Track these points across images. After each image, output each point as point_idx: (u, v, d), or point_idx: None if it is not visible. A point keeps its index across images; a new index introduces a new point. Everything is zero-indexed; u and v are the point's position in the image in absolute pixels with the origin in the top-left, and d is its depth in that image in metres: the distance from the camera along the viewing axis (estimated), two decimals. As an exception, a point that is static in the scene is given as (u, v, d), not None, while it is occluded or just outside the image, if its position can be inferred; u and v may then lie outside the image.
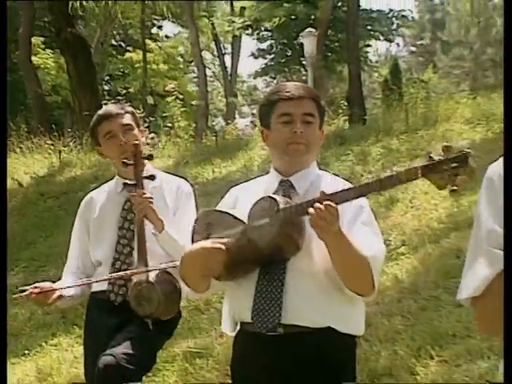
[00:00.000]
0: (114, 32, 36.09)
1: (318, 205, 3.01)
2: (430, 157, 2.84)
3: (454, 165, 2.75)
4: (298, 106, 3.45)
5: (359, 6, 28.43)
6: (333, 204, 3.01)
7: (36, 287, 4.51)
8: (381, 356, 6.45)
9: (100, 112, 4.78)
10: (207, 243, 3.32)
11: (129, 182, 4.64)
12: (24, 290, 4.54)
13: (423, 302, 7.30)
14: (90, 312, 4.81)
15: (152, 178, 4.63)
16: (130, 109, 4.83)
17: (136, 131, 4.70)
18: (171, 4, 32.68)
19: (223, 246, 3.27)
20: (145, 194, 4.45)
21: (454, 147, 2.79)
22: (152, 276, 4.36)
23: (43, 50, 33.20)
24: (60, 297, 4.54)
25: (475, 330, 6.21)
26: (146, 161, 4.65)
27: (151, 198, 4.45)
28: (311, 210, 3.02)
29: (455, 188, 2.77)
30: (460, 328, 6.50)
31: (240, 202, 3.56)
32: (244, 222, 3.35)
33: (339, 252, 3.16)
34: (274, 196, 3.30)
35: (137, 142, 4.61)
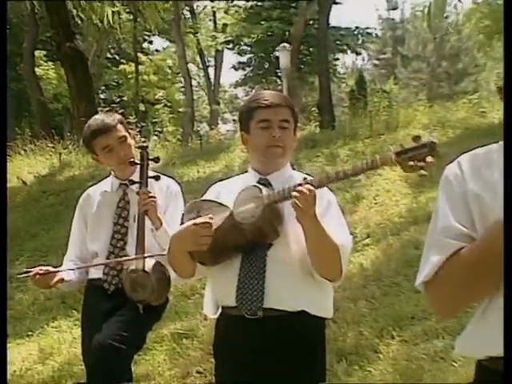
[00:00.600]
0: (109, 46, 36.01)
1: (300, 187, 3.06)
2: (401, 145, 2.89)
3: (423, 151, 2.81)
4: (276, 113, 3.47)
5: (328, 23, 28.51)
6: (311, 187, 3.06)
7: (41, 269, 4.51)
8: (348, 336, 6.46)
9: (93, 126, 4.69)
10: (195, 220, 3.31)
11: (124, 181, 4.68)
12: (28, 272, 4.52)
13: (385, 288, 7.32)
14: (87, 297, 4.82)
15: (157, 178, 4.66)
16: (119, 117, 4.79)
17: (129, 139, 4.69)
18: (160, 21, 32.66)
19: (211, 220, 3.27)
20: (150, 193, 4.46)
21: (422, 137, 2.85)
22: (148, 266, 4.36)
23: (45, 62, 33.10)
24: (61, 280, 4.54)
25: (431, 312, 6.23)
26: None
27: (154, 197, 4.46)
28: (295, 192, 3.07)
29: (423, 172, 2.83)
30: (418, 311, 6.52)
31: (222, 196, 3.56)
32: (229, 208, 3.35)
33: (314, 236, 3.20)
34: (258, 185, 3.34)
35: (145, 145, 4.67)
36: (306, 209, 3.09)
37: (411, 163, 2.83)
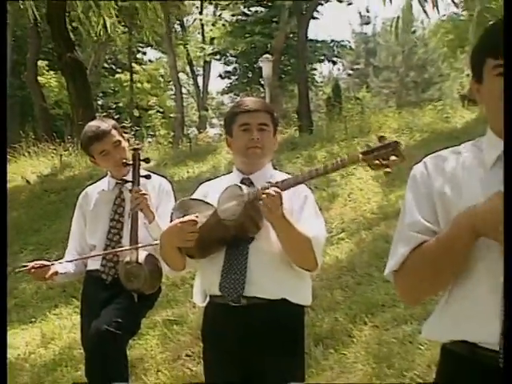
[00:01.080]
0: (106, 57, 35.92)
1: (267, 190, 3.09)
2: (368, 145, 2.91)
3: (388, 150, 2.84)
4: (255, 117, 3.50)
5: (307, 36, 28.59)
6: (277, 189, 3.10)
7: (36, 264, 4.53)
8: (324, 322, 6.46)
9: (89, 133, 4.69)
10: (182, 218, 3.34)
11: (123, 179, 4.69)
12: (25, 266, 4.55)
13: (358, 278, 7.33)
14: (86, 287, 4.82)
15: (148, 177, 4.66)
16: (113, 123, 4.80)
17: (123, 143, 4.69)
18: (153, 34, 32.63)
19: (196, 218, 3.30)
20: (141, 190, 4.48)
21: (387, 137, 2.88)
22: (141, 257, 4.39)
23: (47, 71, 33.04)
24: (55, 273, 4.56)
25: (400, 300, 6.24)
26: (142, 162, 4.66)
27: (146, 194, 4.47)
28: (262, 194, 3.11)
29: (388, 169, 2.85)
30: (388, 299, 6.53)
31: (209, 194, 3.57)
32: (214, 207, 3.38)
33: (283, 232, 3.23)
34: (239, 184, 3.36)
35: (137, 147, 4.69)
36: (273, 209, 3.12)
37: (377, 161, 2.87)
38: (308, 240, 3.26)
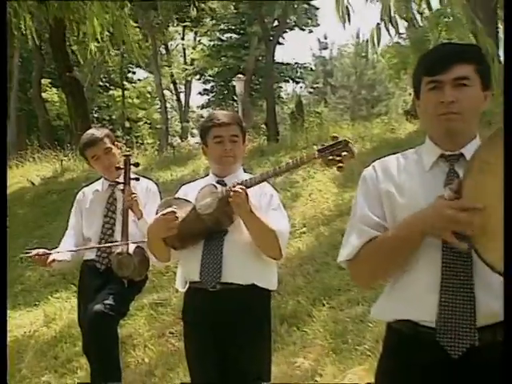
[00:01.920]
0: (101, 76, 35.70)
1: (234, 188, 3.15)
2: (323, 144, 2.98)
3: (339, 146, 2.91)
4: (226, 130, 3.51)
5: (274, 59, 28.65)
6: (242, 187, 3.16)
7: (38, 252, 4.58)
8: (288, 304, 6.46)
9: (84, 139, 4.74)
10: (163, 211, 3.38)
11: (116, 181, 4.70)
12: (29, 252, 4.62)
13: (318, 266, 7.32)
14: (82, 274, 4.83)
15: (137, 179, 4.70)
16: (106, 132, 4.82)
17: (114, 149, 4.72)
18: (142, 56, 32.57)
19: (175, 210, 3.33)
20: (132, 191, 4.51)
21: (339, 137, 2.97)
22: (131, 249, 4.41)
23: (50, 88, 32.80)
24: (53, 260, 4.58)
25: (353, 285, 6.26)
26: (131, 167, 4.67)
27: (136, 194, 4.50)
28: (230, 192, 3.17)
29: (341, 164, 2.91)
30: (343, 284, 6.53)
31: (189, 194, 3.59)
32: (193, 203, 3.42)
33: (251, 224, 3.26)
34: (213, 183, 3.42)
35: (128, 153, 4.72)
36: (241, 204, 3.17)
37: (330, 157, 2.93)
38: (273, 232, 3.28)
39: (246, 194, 3.18)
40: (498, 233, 2.02)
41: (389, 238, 2.25)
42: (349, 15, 4.78)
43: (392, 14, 4.23)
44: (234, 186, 3.20)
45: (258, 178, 3.27)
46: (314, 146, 13.07)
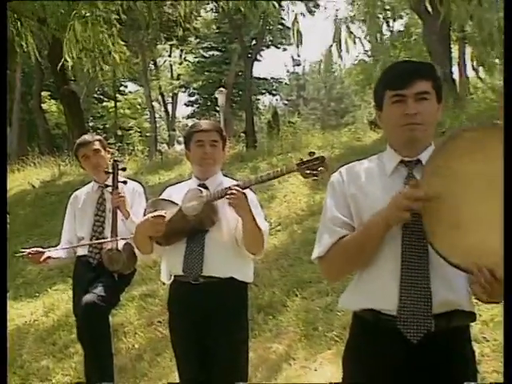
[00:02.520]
0: (95, 89, 35.53)
1: (231, 190, 3.14)
2: (301, 159, 3.00)
3: (316, 162, 2.95)
4: (207, 136, 3.52)
5: (252, 74, 28.60)
6: (239, 188, 3.15)
7: (32, 250, 4.57)
8: (265, 295, 6.44)
9: (78, 141, 4.82)
10: (152, 213, 3.36)
11: (105, 184, 4.70)
12: (24, 251, 4.59)
13: (291, 260, 7.32)
14: (76, 269, 4.82)
15: (125, 182, 4.69)
16: (98, 137, 4.87)
17: (103, 152, 4.75)
18: (133, 71, 32.49)
19: (164, 213, 3.32)
20: (120, 193, 4.50)
21: (316, 152, 2.99)
22: (120, 246, 4.42)
23: (49, 99, 32.61)
24: (48, 258, 4.56)
25: (323, 278, 6.26)
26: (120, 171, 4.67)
27: (123, 196, 4.49)
28: (228, 194, 3.16)
29: (316, 177, 2.96)
30: (314, 277, 6.52)
31: (173, 195, 3.59)
32: (178, 205, 3.42)
33: (248, 223, 3.22)
34: (199, 187, 3.43)
35: (116, 159, 4.74)
36: (240, 204, 3.16)
37: (307, 171, 2.96)
38: (261, 231, 3.31)
39: (244, 195, 3.18)
40: (452, 228, 2.05)
41: (356, 235, 2.27)
42: (301, 38, 4.88)
43: (343, 37, 4.27)
44: (229, 188, 3.19)
45: (251, 181, 3.27)
46: (289, 154, 13.09)
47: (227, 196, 3.17)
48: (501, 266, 1.95)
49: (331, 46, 4.34)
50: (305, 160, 3.01)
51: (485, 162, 2.03)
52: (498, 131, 2.04)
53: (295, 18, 4.71)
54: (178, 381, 3.63)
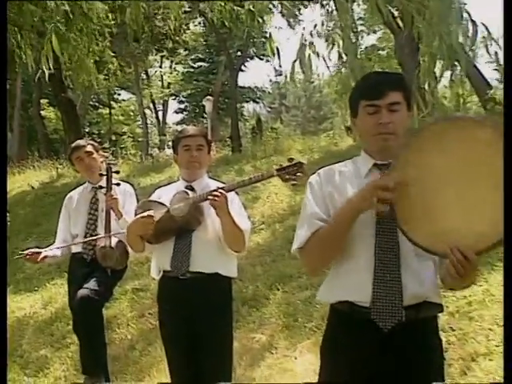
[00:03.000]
0: (91, 96, 35.29)
1: (214, 192, 3.14)
2: (281, 165, 3.02)
3: (295, 168, 2.97)
4: (194, 141, 3.53)
5: (237, 84, 28.65)
6: (222, 191, 3.14)
7: (29, 252, 4.56)
8: (249, 289, 6.45)
9: (72, 145, 4.84)
10: (142, 214, 3.37)
11: (99, 185, 4.70)
12: (22, 254, 4.60)
13: (274, 257, 7.33)
14: (72, 265, 4.82)
15: (118, 184, 4.70)
16: (91, 142, 4.90)
17: (95, 155, 4.77)
18: (126, 80, 32.45)
19: (153, 214, 3.33)
20: (113, 195, 4.50)
21: (295, 159, 3.02)
22: (113, 243, 4.43)
23: (48, 107, 32.41)
24: (45, 257, 4.56)
25: (303, 273, 6.28)
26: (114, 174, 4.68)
27: (116, 197, 4.50)
28: (210, 196, 3.15)
29: (295, 182, 2.97)
30: (295, 272, 6.53)
31: (162, 196, 3.60)
32: (167, 206, 3.42)
33: (226, 224, 3.23)
34: (185, 190, 3.44)
35: (110, 162, 4.73)
36: (221, 206, 3.16)
37: (287, 176, 2.98)
38: (242, 231, 3.32)
39: (226, 198, 3.18)
40: (423, 215, 2.06)
41: (329, 224, 2.28)
42: (278, 52, 4.92)
43: (307, 53, 4.30)
44: (213, 191, 3.19)
45: (234, 185, 3.28)
46: (272, 157, 13.10)
47: (209, 197, 3.18)
48: (471, 247, 1.96)
49: (295, 61, 4.36)
50: (284, 166, 3.02)
51: (450, 151, 2.04)
52: (460, 122, 2.08)
53: (270, 36, 4.71)
54: (167, 369, 3.62)
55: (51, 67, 4.97)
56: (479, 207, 1.97)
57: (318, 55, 4.26)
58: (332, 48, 4.36)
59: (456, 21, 3.61)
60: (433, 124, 2.14)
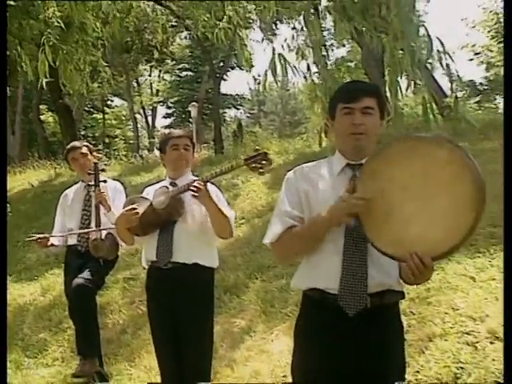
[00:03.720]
0: (86, 102, 34.98)
1: (194, 183, 3.17)
2: (248, 154, 3.06)
3: (259, 157, 2.99)
4: (181, 141, 3.55)
5: (219, 91, 28.57)
6: (201, 182, 3.17)
7: (40, 236, 4.61)
8: (230, 278, 6.43)
9: (68, 146, 4.86)
10: (127, 208, 3.40)
11: (89, 183, 4.69)
12: (32, 237, 4.64)
13: (253, 248, 7.30)
14: (67, 256, 4.84)
15: (104, 181, 4.70)
16: (85, 144, 4.90)
17: (89, 156, 4.75)
18: (118, 87, 32.27)
19: (137, 207, 3.35)
20: (101, 191, 4.51)
21: (260, 149, 3.07)
22: (103, 235, 4.44)
23: (47, 112, 32.22)
24: (52, 244, 4.61)
25: (279, 263, 6.27)
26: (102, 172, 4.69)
27: (104, 193, 4.50)
28: (191, 187, 3.18)
29: (262, 170, 2.98)
30: (272, 263, 6.51)
31: (150, 193, 3.60)
32: (150, 200, 3.47)
33: (212, 210, 3.25)
34: (166, 185, 3.53)
35: (96, 161, 4.70)
36: (202, 194, 3.18)
37: (253, 165, 2.99)
38: (227, 217, 3.33)
39: (205, 187, 3.20)
40: (384, 223, 2.08)
41: (304, 228, 2.29)
42: (251, 63, 4.94)
43: (278, 64, 4.32)
44: (193, 182, 3.21)
45: (210, 176, 3.25)
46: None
47: (191, 188, 3.19)
48: (428, 254, 2.00)
49: (266, 71, 4.37)
50: (250, 156, 3.05)
51: (413, 167, 2.07)
52: (423, 141, 2.10)
53: (245, 48, 4.70)
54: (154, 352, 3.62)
55: (47, 75, 4.94)
56: (436, 218, 2.00)
57: (285, 68, 4.28)
58: (301, 60, 4.37)
59: (415, 36, 3.64)
60: (400, 140, 2.17)
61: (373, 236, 2.11)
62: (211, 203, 3.24)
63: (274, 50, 4.29)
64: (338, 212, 2.15)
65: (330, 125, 2.43)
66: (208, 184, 3.26)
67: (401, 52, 3.72)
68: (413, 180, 2.06)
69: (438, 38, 3.73)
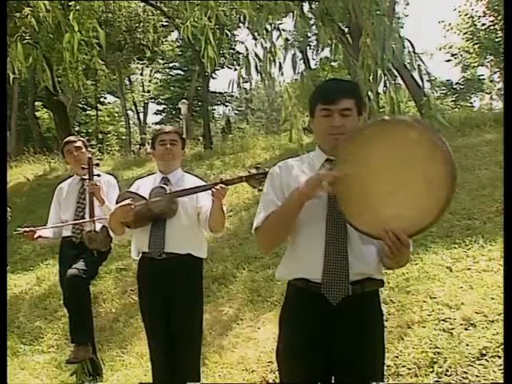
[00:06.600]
0: (80, 99, 34.78)
1: (218, 186, 3.21)
2: (249, 171, 3.09)
3: (261, 176, 3.02)
4: (168, 136, 3.60)
5: (208, 89, 28.51)
6: (224, 186, 3.21)
7: (26, 229, 4.56)
8: (218, 268, 6.45)
9: (64, 140, 4.82)
10: (122, 203, 3.38)
11: (83, 177, 4.65)
12: (19, 230, 4.59)
13: (240, 240, 7.32)
14: (62, 247, 4.77)
15: (98, 175, 4.66)
16: (80, 138, 4.89)
17: (84, 150, 4.72)
18: (111, 85, 32.08)
19: (131, 202, 3.33)
20: (95, 183, 4.47)
21: (261, 166, 3.10)
22: (97, 228, 4.40)
23: (42, 108, 32.00)
24: (39, 236, 4.53)
25: (265, 254, 6.27)
26: (95, 166, 4.65)
27: (97, 185, 4.47)
28: (214, 189, 3.22)
29: (260, 188, 2.98)
30: (259, 253, 6.53)
31: (141, 187, 3.62)
32: (145, 198, 3.44)
33: (218, 210, 3.31)
34: (163, 185, 3.48)
35: (90, 156, 4.67)
36: (221, 197, 3.24)
37: (254, 184, 3.09)
38: (225, 214, 3.40)
39: (226, 190, 3.24)
40: (360, 203, 2.09)
41: (279, 208, 2.29)
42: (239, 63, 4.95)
43: (253, 65, 4.36)
44: (216, 184, 3.24)
45: (228, 181, 3.27)
46: (239, 153, 13.07)
47: (216, 187, 3.20)
48: (403, 231, 2.01)
49: (240, 69, 4.40)
50: (252, 173, 3.10)
51: (387, 149, 2.07)
52: (395, 123, 2.12)
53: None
54: (146, 340, 3.62)
55: (15, 71, 4.88)
56: (410, 197, 2.01)
57: (257, 67, 4.30)
58: (284, 61, 4.39)
59: (387, 37, 3.66)
60: (373, 123, 2.17)
61: (350, 215, 2.11)
62: (220, 204, 3.29)
63: (246, 49, 4.31)
64: (312, 181, 2.15)
65: (310, 122, 2.43)
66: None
67: (372, 53, 3.73)
68: (386, 161, 2.06)
69: (408, 40, 3.75)
